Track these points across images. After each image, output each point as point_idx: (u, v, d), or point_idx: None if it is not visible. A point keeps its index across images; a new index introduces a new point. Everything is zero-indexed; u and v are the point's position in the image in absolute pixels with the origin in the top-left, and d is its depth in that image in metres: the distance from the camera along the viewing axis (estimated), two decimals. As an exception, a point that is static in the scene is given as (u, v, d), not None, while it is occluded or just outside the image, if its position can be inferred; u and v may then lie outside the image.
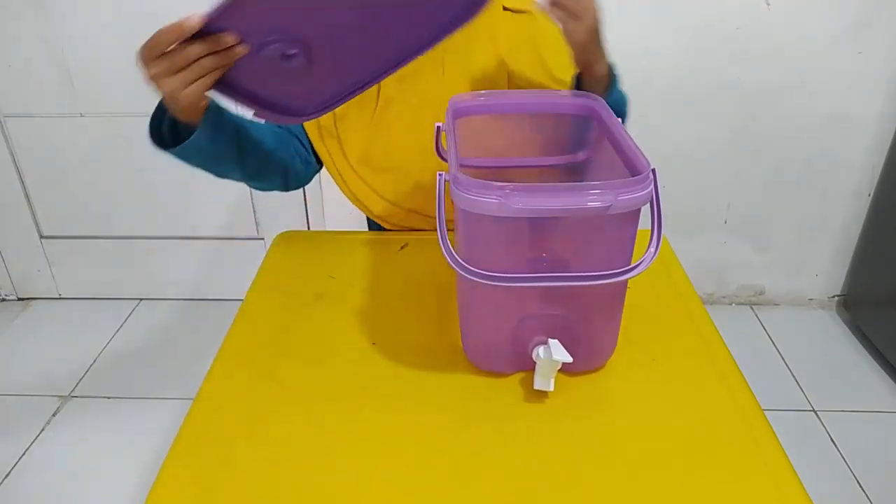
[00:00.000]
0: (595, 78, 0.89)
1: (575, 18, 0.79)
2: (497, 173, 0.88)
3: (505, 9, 0.99)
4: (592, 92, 0.87)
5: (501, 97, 0.88)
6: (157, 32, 0.66)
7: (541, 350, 0.71)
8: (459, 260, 0.66)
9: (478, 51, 0.99)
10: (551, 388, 0.72)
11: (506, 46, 0.99)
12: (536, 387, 0.73)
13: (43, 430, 1.60)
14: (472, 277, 0.65)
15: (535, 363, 0.72)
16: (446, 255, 0.66)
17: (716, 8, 1.61)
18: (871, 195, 1.85)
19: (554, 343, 0.70)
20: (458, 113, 0.81)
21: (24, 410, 1.65)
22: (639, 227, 0.68)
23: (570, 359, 0.69)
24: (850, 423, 1.60)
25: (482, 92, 0.90)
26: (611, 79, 0.91)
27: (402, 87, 0.98)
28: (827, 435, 1.57)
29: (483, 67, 0.99)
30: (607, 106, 0.82)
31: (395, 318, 0.88)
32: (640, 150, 0.69)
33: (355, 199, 1.11)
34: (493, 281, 0.65)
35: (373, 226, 1.23)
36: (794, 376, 1.76)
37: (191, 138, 0.81)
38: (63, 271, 2.06)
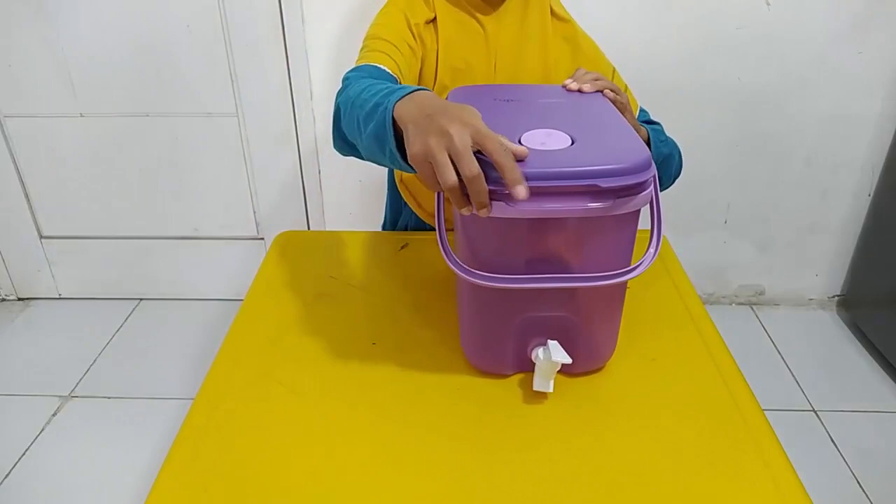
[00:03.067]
0: None
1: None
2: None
3: (553, 15, 1.01)
4: None
5: (504, 88, 0.87)
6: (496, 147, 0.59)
7: (540, 351, 0.71)
8: (458, 261, 0.66)
9: (530, 53, 1.00)
10: (551, 390, 0.72)
11: (553, 50, 1.01)
12: (536, 388, 0.73)
13: (43, 430, 1.60)
14: (470, 278, 0.65)
15: (534, 364, 0.72)
16: (445, 256, 0.66)
17: (716, 8, 1.61)
18: (871, 195, 1.85)
19: (553, 344, 0.70)
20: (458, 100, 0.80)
21: (24, 410, 1.65)
22: (639, 227, 0.69)
23: (569, 360, 0.69)
24: (850, 423, 1.60)
25: (485, 85, 0.90)
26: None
27: (456, 80, 0.99)
28: (827, 435, 1.57)
29: (531, 69, 1.01)
30: (609, 101, 0.82)
31: (395, 318, 0.88)
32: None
33: (409, 196, 1.13)
34: (492, 282, 0.65)
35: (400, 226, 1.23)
36: (794, 376, 1.76)
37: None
38: (63, 271, 2.06)
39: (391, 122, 0.66)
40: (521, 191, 0.59)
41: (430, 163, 0.60)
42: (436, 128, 0.60)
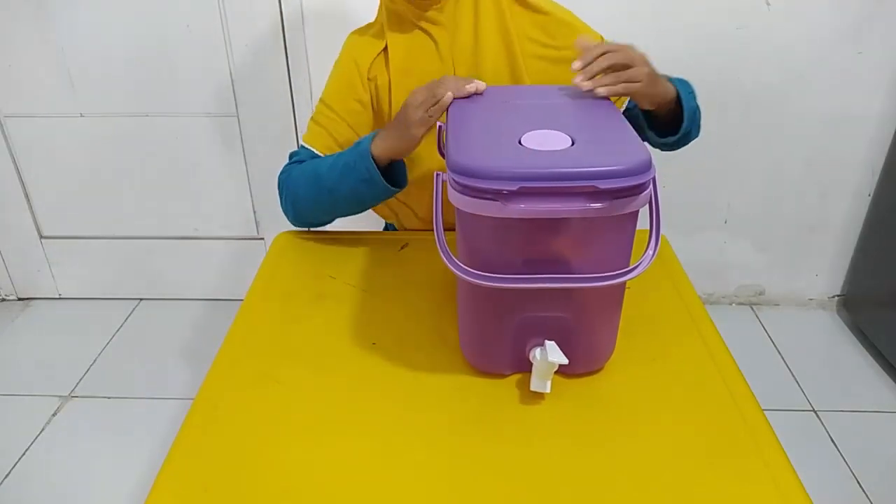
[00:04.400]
0: (665, 104, 0.91)
1: (634, 82, 0.83)
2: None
3: (524, 6, 0.99)
4: (663, 113, 0.92)
5: (506, 90, 0.88)
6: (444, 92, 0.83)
7: (537, 352, 0.71)
8: (455, 260, 0.66)
9: (489, 52, 0.99)
10: (548, 390, 0.72)
11: (518, 41, 0.99)
12: (533, 388, 0.73)
13: (43, 430, 1.60)
14: (467, 278, 0.65)
15: (532, 364, 0.72)
16: (442, 254, 0.66)
17: (716, 8, 1.61)
18: (871, 195, 1.85)
19: (550, 345, 0.70)
20: (458, 111, 0.80)
21: (24, 410, 1.65)
22: (639, 226, 0.68)
23: (565, 361, 0.69)
24: (850, 423, 1.60)
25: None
26: (680, 97, 0.92)
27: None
28: (827, 435, 1.57)
29: (495, 68, 0.99)
30: (610, 101, 0.81)
31: (395, 318, 0.88)
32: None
33: (392, 215, 1.16)
34: (489, 281, 0.65)
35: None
36: (794, 376, 1.76)
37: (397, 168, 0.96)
38: (63, 271, 2.06)
39: (373, 163, 0.89)
40: (481, 85, 0.83)
41: (430, 117, 0.83)
42: (407, 117, 0.84)
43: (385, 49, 1.00)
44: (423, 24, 0.97)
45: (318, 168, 0.96)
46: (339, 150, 1.00)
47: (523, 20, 0.99)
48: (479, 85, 0.82)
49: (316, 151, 1.01)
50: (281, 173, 1.02)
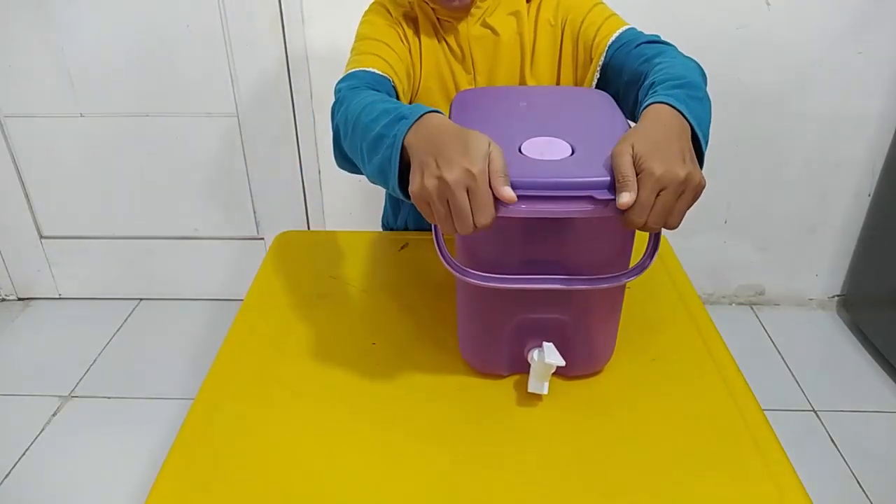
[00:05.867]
0: None
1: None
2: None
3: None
4: None
5: (509, 91, 0.87)
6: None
7: (535, 353, 0.71)
8: (452, 259, 0.66)
9: (504, 49, 0.98)
10: (545, 391, 0.72)
11: (529, 41, 0.98)
12: (530, 389, 0.73)
13: (43, 430, 1.60)
14: (464, 278, 0.65)
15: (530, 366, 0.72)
16: (440, 254, 0.66)
17: (716, 7, 1.61)
18: (871, 195, 1.85)
19: (548, 346, 0.70)
20: (463, 107, 0.80)
21: (24, 410, 1.65)
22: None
23: (562, 363, 0.69)
24: (850, 423, 1.60)
25: (489, 88, 0.89)
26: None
27: (440, 82, 1.00)
28: (827, 435, 1.57)
29: (509, 68, 0.99)
30: (613, 102, 0.81)
31: (395, 319, 0.88)
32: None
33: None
34: (488, 282, 0.65)
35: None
36: (794, 376, 1.76)
37: None
38: (63, 271, 2.06)
39: (398, 159, 0.65)
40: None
41: (428, 203, 0.61)
42: (436, 172, 0.59)
43: (416, 20, 0.98)
44: (445, 18, 0.97)
45: (364, 110, 0.75)
46: (392, 74, 0.90)
47: (532, 13, 0.99)
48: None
49: (372, 70, 0.88)
50: (337, 93, 0.84)
